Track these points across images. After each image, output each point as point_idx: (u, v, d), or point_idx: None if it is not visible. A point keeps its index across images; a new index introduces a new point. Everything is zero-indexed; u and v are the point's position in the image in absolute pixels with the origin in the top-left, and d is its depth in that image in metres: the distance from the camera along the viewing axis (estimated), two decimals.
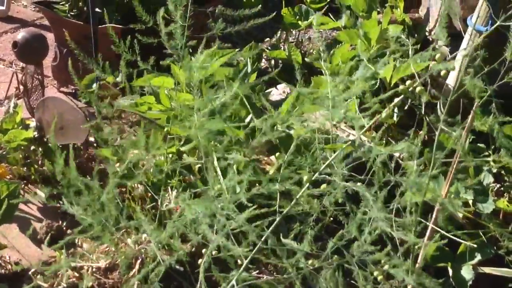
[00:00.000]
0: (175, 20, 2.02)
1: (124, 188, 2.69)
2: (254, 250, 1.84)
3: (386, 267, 1.83)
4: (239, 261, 1.88)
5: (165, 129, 2.43)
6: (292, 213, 1.95)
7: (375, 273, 1.88)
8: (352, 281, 1.94)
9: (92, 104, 2.28)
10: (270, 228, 1.83)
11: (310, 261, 1.88)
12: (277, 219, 1.85)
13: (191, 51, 2.16)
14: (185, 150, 2.45)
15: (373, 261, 1.86)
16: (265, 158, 2.65)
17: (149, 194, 2.61)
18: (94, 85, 3.20)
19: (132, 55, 2.25)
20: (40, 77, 3.24)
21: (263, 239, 1.83)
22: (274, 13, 2.52)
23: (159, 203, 2.38)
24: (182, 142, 2.53)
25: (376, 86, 2.97)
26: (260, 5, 2.52)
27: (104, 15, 3.45)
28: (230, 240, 1.82)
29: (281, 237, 1.88)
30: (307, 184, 1.87)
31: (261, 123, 2.40)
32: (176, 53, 2.09)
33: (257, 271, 2.41)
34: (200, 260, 1.92)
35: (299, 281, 1.89)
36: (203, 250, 1.89)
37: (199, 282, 1.90)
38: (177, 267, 2.30)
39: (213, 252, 1.92)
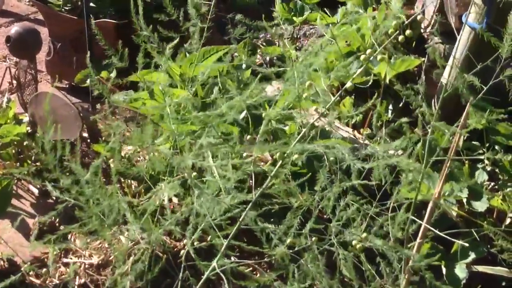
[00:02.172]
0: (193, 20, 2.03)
1: (118, 184, 2.68)
2: (232, 232, 1.83)
3: (364, 235, 1.83)
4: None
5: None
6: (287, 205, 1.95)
7: (354, 242, 1.88)
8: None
9: (105, 96, 2.26)
10: (248, 208, 1.82)
11: (288, 240, 1.88)
12: (253, 198, 1.83)
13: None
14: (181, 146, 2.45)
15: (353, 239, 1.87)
16: (259, 155, 2.64)
17: (143, 190, 2.61)
18: (88, 80, 3.19)
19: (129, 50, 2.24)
20: (33, 72, 3.23)
21: (241, 219, 1.82)
22: None
23: (153, 199, 2.37)
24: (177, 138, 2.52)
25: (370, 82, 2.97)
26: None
27: (97, 9, 3.44)
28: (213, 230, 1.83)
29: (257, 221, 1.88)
30: (280, 161, 1.86)
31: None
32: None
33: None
34: (182, 252, 1.93)
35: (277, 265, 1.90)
36: (185, 241, 1.89)
37: (181, 270, 1.92)
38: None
39: (195, 243, 1.92)
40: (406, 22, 1.87)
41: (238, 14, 2.21)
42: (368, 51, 1.88)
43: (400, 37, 1.86)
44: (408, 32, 1.85)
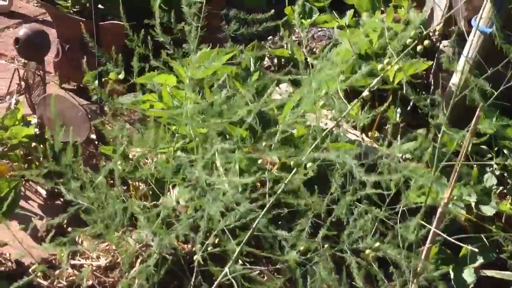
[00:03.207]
0: (188, 21, 2.03)
1: (126, 186, 2.68)
2: (245, 239, 1.84)
3: (377, 244, 1.83)
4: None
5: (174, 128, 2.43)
6: (295, 208, 1.95)
7: (367, 251, 1.88)
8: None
9: (103, 100, 2.26)
10: (262, 213, 1.82)
11: (301, 248, 1.88)
12: (267, 204, 1.84)
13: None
14: (189, 148, 2.45)
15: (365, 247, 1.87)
16: (268, 158, 2.64)
17: (151, 193, 2.61)
18: (97, 82, 3.19)
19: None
20: (41, 73, 3.23)
21: (254, 224, 1.83)
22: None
23: (161, 201, 2.37)
24: (186, 140, 2.52)
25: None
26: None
27: (106, 11, 3.44)
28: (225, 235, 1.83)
29: (270, 228, 1.88)
30: (295, 168, 1.86)
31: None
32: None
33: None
34: (195, 256, 1.94)
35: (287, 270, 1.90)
36: (197, 246, 1.89)
37: (193, 275, 1.92)
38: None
39: (209, 248, 1.92)
40: (425, 33, 1.87)
41: (232, 9, 2.18)
42: (385, 61, 1.88)
43: (419, 47, 1.87)
44: (426, 42, 1.85)
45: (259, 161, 2.27)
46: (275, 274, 2.41)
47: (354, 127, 2.94)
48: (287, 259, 1.84)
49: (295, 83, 2.43)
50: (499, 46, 1.74)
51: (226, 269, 1.78)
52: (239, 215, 1.78)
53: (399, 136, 2.65)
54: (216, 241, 1.99)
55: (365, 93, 1.85)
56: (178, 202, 2.54)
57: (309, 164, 1.86)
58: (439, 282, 1.78)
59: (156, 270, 2.05)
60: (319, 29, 4.01)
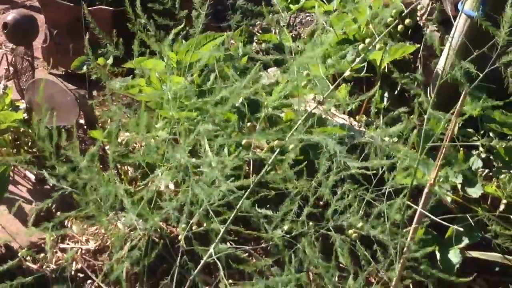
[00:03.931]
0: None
1: (115, 170, 2.69)
2: (230, 219, 1.85)
3: (360, 224, 1.85)
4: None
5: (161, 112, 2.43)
6: (283, 191, 1.96)
7: (350, 231, 1.90)
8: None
9: (102, 80, 2.26)
10: (245, 195, 1.83)
11: (286, 227, 1.89)
12: (251, 186, 1.85)
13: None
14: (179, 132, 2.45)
15: (349, 226, 1.89)
16: (256, 142, 2.65)
17: (140, 177, 2.62)
18: (85, 67, 3.20)
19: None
20: (30, 58, 3.23)
21: (238, 206, 1.84)
22: None
23: (149, 185, 2.38)
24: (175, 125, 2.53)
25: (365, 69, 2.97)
26: None
27: None
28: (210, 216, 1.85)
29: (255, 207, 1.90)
30: (278, 149, 1.87)
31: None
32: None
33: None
34: (180, 237, 1.95)
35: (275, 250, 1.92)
36: (182, 226, 1.90)
37: (179, 255, 1.93)
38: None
39: (193, 228, 1.94)
40: (406, 12, 1.87)
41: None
42: (367, 40, 1.88)
43: (400, 27, 1.87)
44: (407, 21, 1.86)
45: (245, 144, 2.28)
46: (264, 256, 2.43)
47: (342, 112, 2.96)
48: (273, 238, 1.86)
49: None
50: (486, 29, 1.76)
51: (211, 249, 1.79)
52: (222, 194, 1.79)
53: (381, 119, 2.67)
54: (205, 224, 2.00)
55: (347, 73, 1.85)
56: (167, 186, 2.56)
57: (291, 146, 1.87)
58: (423, 260, 1.80)
59: (146, 253, 2.07)
60: (307, 14, 4.02)
